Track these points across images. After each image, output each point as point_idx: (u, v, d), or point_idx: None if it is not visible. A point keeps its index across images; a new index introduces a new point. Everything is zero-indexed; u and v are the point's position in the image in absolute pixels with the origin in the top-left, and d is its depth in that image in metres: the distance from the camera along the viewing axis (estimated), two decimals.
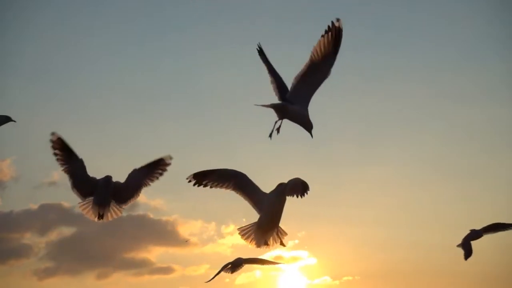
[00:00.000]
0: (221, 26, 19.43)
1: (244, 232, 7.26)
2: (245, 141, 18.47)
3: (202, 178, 7.12)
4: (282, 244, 7.26)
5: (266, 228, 7.11)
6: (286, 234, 7.26)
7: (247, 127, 18.11)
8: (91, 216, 7.96)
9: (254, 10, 19.69)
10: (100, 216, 7.91)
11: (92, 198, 7.87)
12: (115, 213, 8.01)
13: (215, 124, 17.54)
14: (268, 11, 19.61)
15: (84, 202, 7.92)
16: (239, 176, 7.17)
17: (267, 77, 6.94)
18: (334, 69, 6.65)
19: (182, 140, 18.00)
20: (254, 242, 7.27)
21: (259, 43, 6.94)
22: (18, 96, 18.92)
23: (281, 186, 6.85)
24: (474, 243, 10.95)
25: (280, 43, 19.65)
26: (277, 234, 7.19)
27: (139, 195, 8.03)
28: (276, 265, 11.59)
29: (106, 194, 7.86)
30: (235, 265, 11.29)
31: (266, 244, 7.25)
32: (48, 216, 18.32)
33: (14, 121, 8.61)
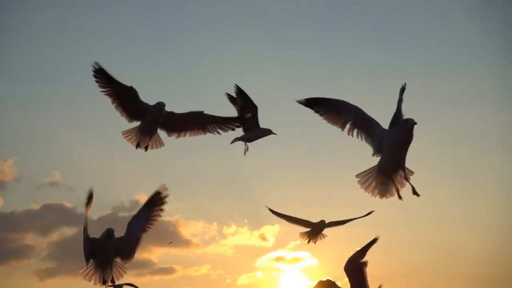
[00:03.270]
0: (222, 27, 19.45)
1: (364, 179, 6.24)
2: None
3: (314, 105, 6.32)
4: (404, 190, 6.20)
5: (390, 170, 6.08)
6: (412, 173, 6.17)
7: None
8: (133, 144, 7.91)
9: (254, 10, 19.70)
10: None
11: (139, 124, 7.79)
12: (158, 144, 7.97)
13: None
14: (268, 11, 19.63)
15: (129, 131, 7.87)
16: (354, 111, 6.17)
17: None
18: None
19: (183, 141, 18.00)
20: (376, 191, 6.27)
21: None
22: (19, 97, 18.97)
23: (407, 121, 5.88)
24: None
25: (280, 43, 19.69)
26: (402, 178, 6.14)
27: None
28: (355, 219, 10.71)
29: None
30: (316, 230, 10.66)
31: (390, 193, 6.23)
32: (49, 216, 18.33)
33: (275, 134, 8.51)
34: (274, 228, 18.24)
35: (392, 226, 18.00)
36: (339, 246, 18.46)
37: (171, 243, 15.57)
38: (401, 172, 6.10)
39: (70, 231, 18.37)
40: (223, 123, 7.98)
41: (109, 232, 7.46)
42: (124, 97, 7.78)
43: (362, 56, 19.41)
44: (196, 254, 18.75)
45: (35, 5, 18.39)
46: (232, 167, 17.26)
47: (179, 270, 17.69)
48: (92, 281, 7.57)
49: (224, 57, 18.78)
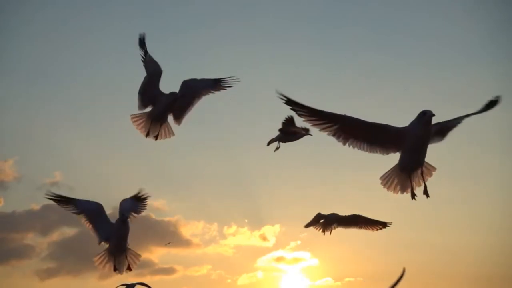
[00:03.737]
0: (222, 27, 19.45)
1: (387, 179, 6.10)
2: (247, 142, 18.49)
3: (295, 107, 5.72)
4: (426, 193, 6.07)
5: (410, 167, 5.94)
6: (434, 169, 6.08)
7: (248, 128, 18.13)
8: (142, 131, 7.76)
9: (254, 10, 19.70)
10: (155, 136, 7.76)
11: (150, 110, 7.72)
12: (167, 133, 7.86)
13: (217, 124, 17.56)
14: (268, 11, 19.62)
15: (139, 115, 7.75)
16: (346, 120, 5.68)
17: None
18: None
19: (184, 141, 18.02)
20: (398, 188, 6.13)
21: None
22: (19, 97, 18.98)
23: (425, 113, 5.69)
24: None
25: (280, 43, 19.68)
26: (422, 174, 6.03)
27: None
28: (378, 225, 10.66)
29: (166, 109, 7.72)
30: (329, 221, 10.68)
31: (411, 188, 6.07)
32: (50, 216, 18.33)
33: (311, 135, 8.53)
34: (275, 228, 18.25)
35: (392, 226, 17.98)
36: (339, 246, 18.45)
37: (168, 243, 15.59)
38: (419, 171, 5.97)
39: (70, 231, 18.38)
40: (215, 86, 7.99)
41: (124, 217, 7.34)
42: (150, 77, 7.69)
43: (362, 56, 19.40)
44: (196, 254, 18.77)
45: (35, 5, 18.41)
46: (232, 167, 17.28)
47: (180, 270, 17.70)
48: (106, 269, 7.48)
49: (224, 57, 18.77)
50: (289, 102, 5.67)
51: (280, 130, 8.65)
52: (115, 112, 17.98)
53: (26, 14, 18.06)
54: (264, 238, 18.31)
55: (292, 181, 18.21)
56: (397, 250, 17.85)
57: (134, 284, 8.73)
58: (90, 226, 7.48)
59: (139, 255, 7.59)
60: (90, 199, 7.73)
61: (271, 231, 18.27)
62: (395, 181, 6.07)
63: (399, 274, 7.19)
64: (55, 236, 18.32)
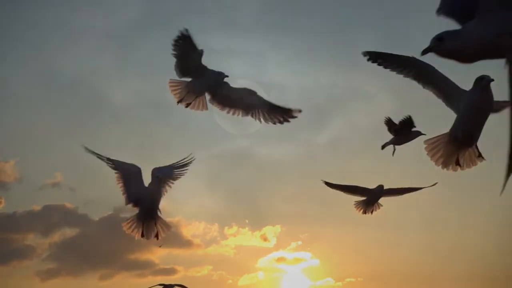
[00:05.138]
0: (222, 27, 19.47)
1: (432, 146, 5.38)
2: (247, 142, 18.50)
3: (376, 58, 5.51)
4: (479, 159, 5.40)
5: (463, 138, 5.17)
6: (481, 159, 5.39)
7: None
8: (177, 97, 7.22)
9: (253, 9, 19.73)
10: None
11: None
12: (201, 106, 7.27)
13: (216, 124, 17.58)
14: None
15: (178, 82, 7.23)
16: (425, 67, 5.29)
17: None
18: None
19: (184, 140, 18.04)
20: (442, 160, 5.37)
21: None
22: (20, 97, 19.00)
23: (482, 79, 5.03)
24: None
25: (280, 42, 19.71)
26: (475, 150, 5.31)
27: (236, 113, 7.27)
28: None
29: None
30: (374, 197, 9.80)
31: (458, 164, 5.38)
32: (51, 217, 18.38)
33: (424, 134, 8.33)
34: (275, 229, 18.27)
35: (392, 226, 18.02)
36: (339, 246, 18.50)
37: (160, 246, 15.64)
38: (470, 149, 5.32)
39: (71, 232, 18.42)
40: (270, 111, 7.22)
41: (157, 178, 7.01)
42: (187, 54, 7.11)
43: (363, 58, 19.44)
44: (197, 254, 18.79)
45: (35, 5, 18.45)
46: (233, 166, 17.30)
47: (181, 270, 17.72)
48: (135, 235, 7.19)
49: (226, 57, 18.82)
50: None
51: (394, 131, 8.45)
52: (116, 113, 18.01)
53: (26, 14, 18.12)
54: (265, 238, 18.34)
55: (292, 181, 18.25)
56: (397, 250, 17.88)
57: (172, 285, 8.61)
58: (122, 185, 7.18)
59: (170, 226, 7.31)
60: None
61: (272, 231, 18.31)
62: (440, 152, 5.36)
63: None
64: (56, 237, 18.36)
